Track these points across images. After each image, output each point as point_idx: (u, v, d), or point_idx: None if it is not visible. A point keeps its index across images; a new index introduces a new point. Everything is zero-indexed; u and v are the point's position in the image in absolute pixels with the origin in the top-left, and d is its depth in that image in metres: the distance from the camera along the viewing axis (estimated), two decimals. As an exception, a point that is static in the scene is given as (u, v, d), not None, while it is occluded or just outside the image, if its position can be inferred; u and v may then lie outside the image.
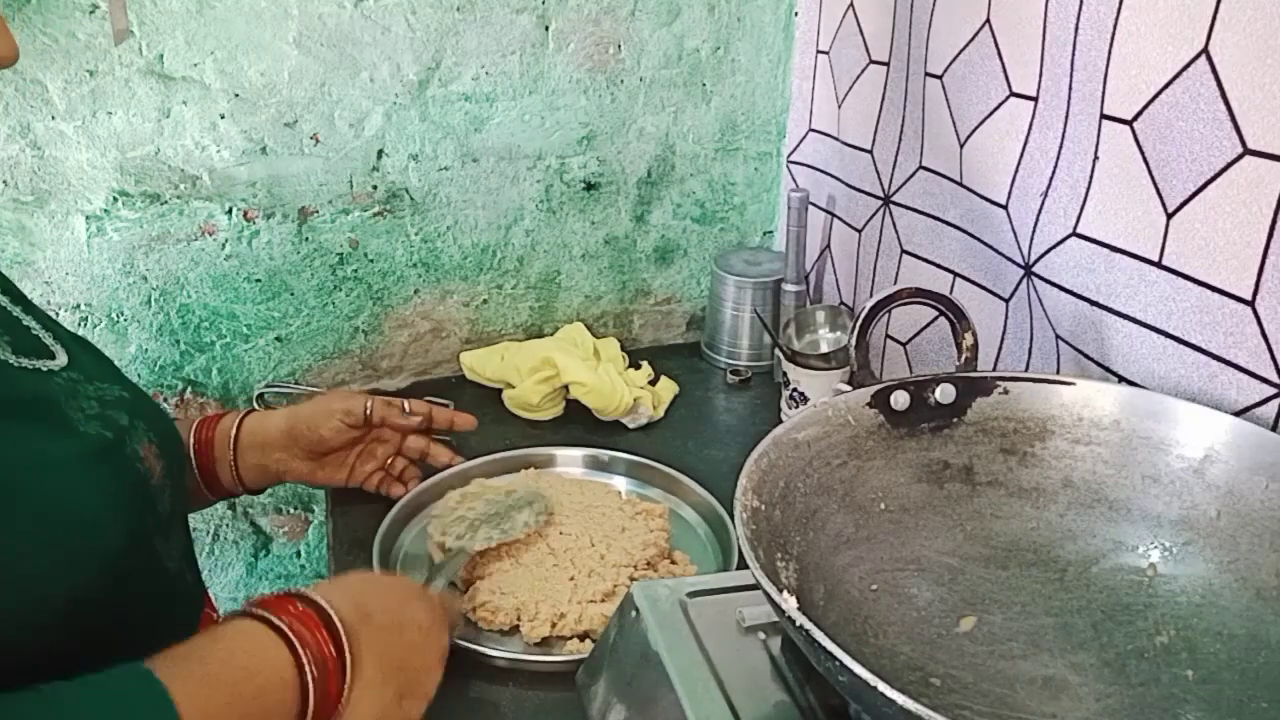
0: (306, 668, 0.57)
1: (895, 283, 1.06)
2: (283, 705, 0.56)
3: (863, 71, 1.07)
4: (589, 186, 1.21)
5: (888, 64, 1.03)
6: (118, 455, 0.61)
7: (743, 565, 0.55)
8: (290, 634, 0.57)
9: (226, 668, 0.55)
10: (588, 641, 0.78)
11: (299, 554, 1.30)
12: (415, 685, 0.64)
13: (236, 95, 1.04)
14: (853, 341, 0.74)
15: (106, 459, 0.60)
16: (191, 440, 0.84)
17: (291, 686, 0.56)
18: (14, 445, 0.55)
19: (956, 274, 0.97)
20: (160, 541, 0.65)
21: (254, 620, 0.58)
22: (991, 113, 0.86)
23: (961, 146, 0.91)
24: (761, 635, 0.60)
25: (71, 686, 0.49)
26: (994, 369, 0.91)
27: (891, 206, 1.05)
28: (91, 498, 0.57)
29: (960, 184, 0.93)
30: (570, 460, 1.02)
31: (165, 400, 1.14)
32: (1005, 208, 0.87)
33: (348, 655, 0.60)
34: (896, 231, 1.05)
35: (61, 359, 0.64)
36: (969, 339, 0.74)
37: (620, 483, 1.00)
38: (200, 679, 0.53)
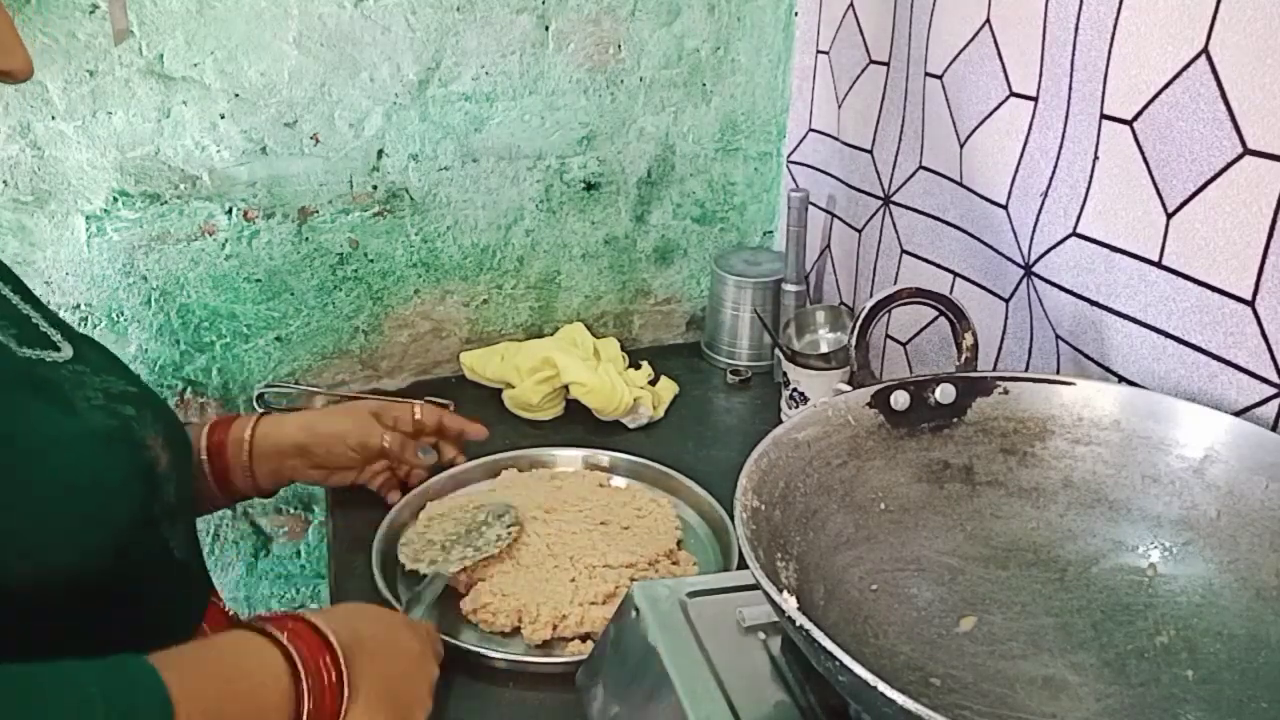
0: (302, 678, 0.57)
1: (895, 283, 1.06)
2: (276, 711, 0.56)
3: (863, 71, 1.07)
4: (589, 186, 1.21)
5: (888, 64, 1.03)
6: (124, 440, 0.62)
7: (743, 565, 0.55)
8: (288, 645, 0.58)
9: (221, 664, 0.56)
10: (589, 643, 0.78)
11: (299, 554, 1.30)
12: (407, 714, 0.64)
13: (236, 95, 1.04)
14: (853, 341, 0.74)
15: (112, 441, 0.60)
16: (204, 443, 0.84)
17: (288, 700, 0.56)
18: (24, 416, 0.55)
19: (956, 274, 0.97)
20: (167, 528, 0.66)
21: (255, 633, 0.59)
22: (991, 113, 0.86)
23: (961, 146, 0.91)
24: (761, 635, 0.60)
25: (70, 662, 0.49)
26: (994, 369, 0.91)
27: (891, 206, 1.05)
28: (99, 474, 0.57)
29: (960, 184, 0.93)
30: (570, 461, 1.02)
31: (165, 400, 1.14)
32: (1005, 208, 0.87)
33: (345, 678, 0.60)
34: (896, 231, 1.05)
35: (67, 352, 0.65)
36: (969, 339, 0.74)
37: (620, 484, 1.00)
38: (194, 668, 0.53)
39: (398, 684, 0.64)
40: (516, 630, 0.79)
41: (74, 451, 0.57)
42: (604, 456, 1.02)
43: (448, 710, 0.72)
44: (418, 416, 0.96)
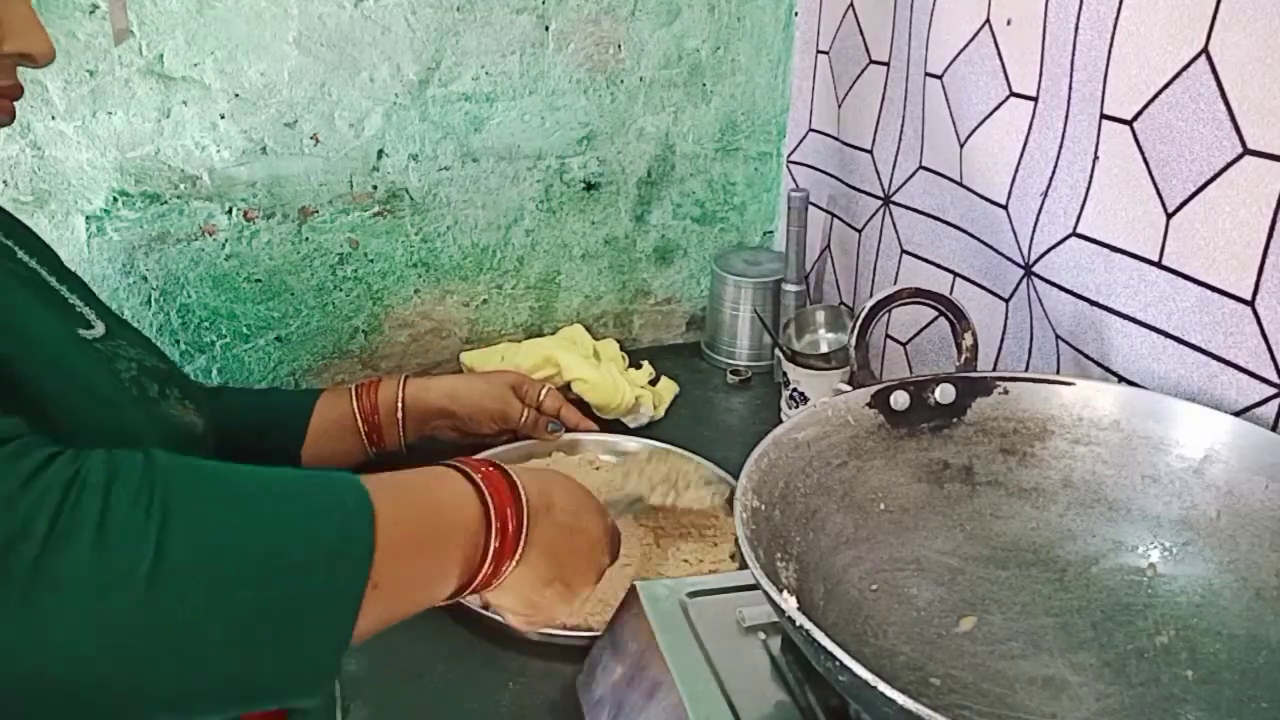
0: (491, 528, 0.58)
1: (895, 283, 1.06)
2: (462, 549, 0.57)
3: (863, 71, 1.07)
4: (589, 186, 1.21)
5: (888, 64, 1.03)
6: (163, 408, 0.65)
7: (743, 565, 0.55)
8: (484, 487, 0.59)
9: (422, 493, 0.58)
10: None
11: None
12: (569, 586, 0.66)
13: (236, 95, 1.04)
14: (853, 341, 0.74)
15: (154, 406, 0.64)
16: (355, 406, 0.93)
17: (477, 536, 0.58)
18: (74, 374, 0.58)
19: (956, 274, 0.97)
20: None
21: (454, 470, 0.60)
22: (991, 113, 0.86)
23: (961, 146, 0.91)
24: (761, 635, 0.60)
25: (276, 469, 0.52)
26: (994, 369, 0.91)
27: (891, 206, 1.05)
28: (147, 433, 0.60)
29: (960, 184, 0.93)
30: (570, 464, 1.02)
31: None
32: (1005, 208, 0.87)
33: (525, 533, 0.61)
34: (896, 231, 1.05)
35: (100, 329, 0.67)
36: (969, 339, 0.74)
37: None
38: (397, 494, 0.55)
39: (568, 557, 0.65)
40: None
41: (119, 411, 0.60)
42: (633, 443, 1.02)
43: (477, 681, 0.74)
44: (543, 399, 1.02)
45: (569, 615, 0.68)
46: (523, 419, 1.00)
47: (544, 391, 1.03)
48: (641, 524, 0.89)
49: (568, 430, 1.03)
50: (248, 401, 0.94)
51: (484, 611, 0.80)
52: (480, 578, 0.59)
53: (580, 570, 0.67)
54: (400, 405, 0.94)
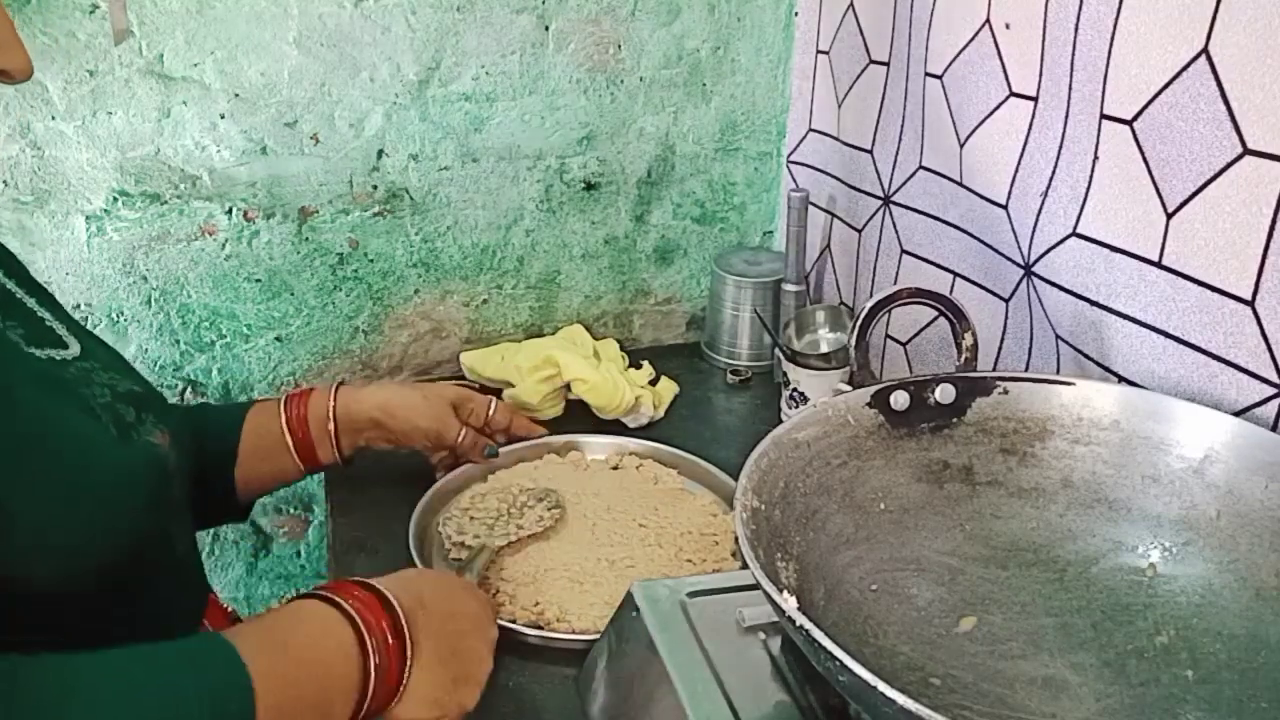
0: (370, 649, 0.59)
1: (895, 283, 1.06)
2: (346, 682, 0.58)
3: (863, 71, 1.07)
4: (589, 186, 1.21)
5: (888, 64, 1.03)
6: (135, 439, 0.62)
7: (743, 565, 0.55)
8: (355, 616, 0.59)
9: (295, 640, 0.58)
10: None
11: (299, 554, 1.30)
12: (469, 672, 0.66)
13: (236, 95, 1.04)
14: (853, 341, 0.74)
15: (125, 441, 0.61)
16: (283, 417, 0.86)
17: (355, 666, 0.58)
18: (47, 417, 0.56)
19: (956, 274, 0.97)
20: (174, 526, 0.66)
21: (320, 601, 0.60)
22: (991, 113, 0.86)
23: (961, 146, 0.91)
24: (761, 635, 0.60)
25: (150, 647, 0.51)
26: (994, 369, 0.91)
27: (891, 206, 1.05)
28: (116, 473, 0.58)
29: (960, 184, 0.93)
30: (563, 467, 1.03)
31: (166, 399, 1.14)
32: (1005, 208, 0.87)
33: (407, 639, 0.62)
34: (896, 231, 1.05)
35: (74, 349, 0.65)
36: (969, 339, 0.74)
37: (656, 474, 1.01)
38: (270, 648, 0.55)
39: (458, 642, 0.66)
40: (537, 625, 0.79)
41: (93, 451, 0.57)
42: (633, 444, 1.03)
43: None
44: (493, 414, 0.98)
45: (475, 700, 0.67)
46: (460, 438, 0.93)
47: (492, 407, 0.98)
48: (641, 524, 0.89)
49: (518, 440, 1.00)
50: (186, 414, 0.88)
51: None
52: (374, 697, 0.59)
53: (472, 651, 0.67)
54: (331, 417, 0.87)
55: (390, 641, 0.60)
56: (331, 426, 0.87)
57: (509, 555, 0.85)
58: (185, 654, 0.52)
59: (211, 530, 1.23)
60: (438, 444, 0.94)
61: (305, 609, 0.60)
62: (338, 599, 0.60)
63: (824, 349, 1.07)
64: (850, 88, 1.10)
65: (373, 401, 0.90)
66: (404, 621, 0.62)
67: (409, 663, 0.61)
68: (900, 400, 0.66)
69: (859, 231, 1.13)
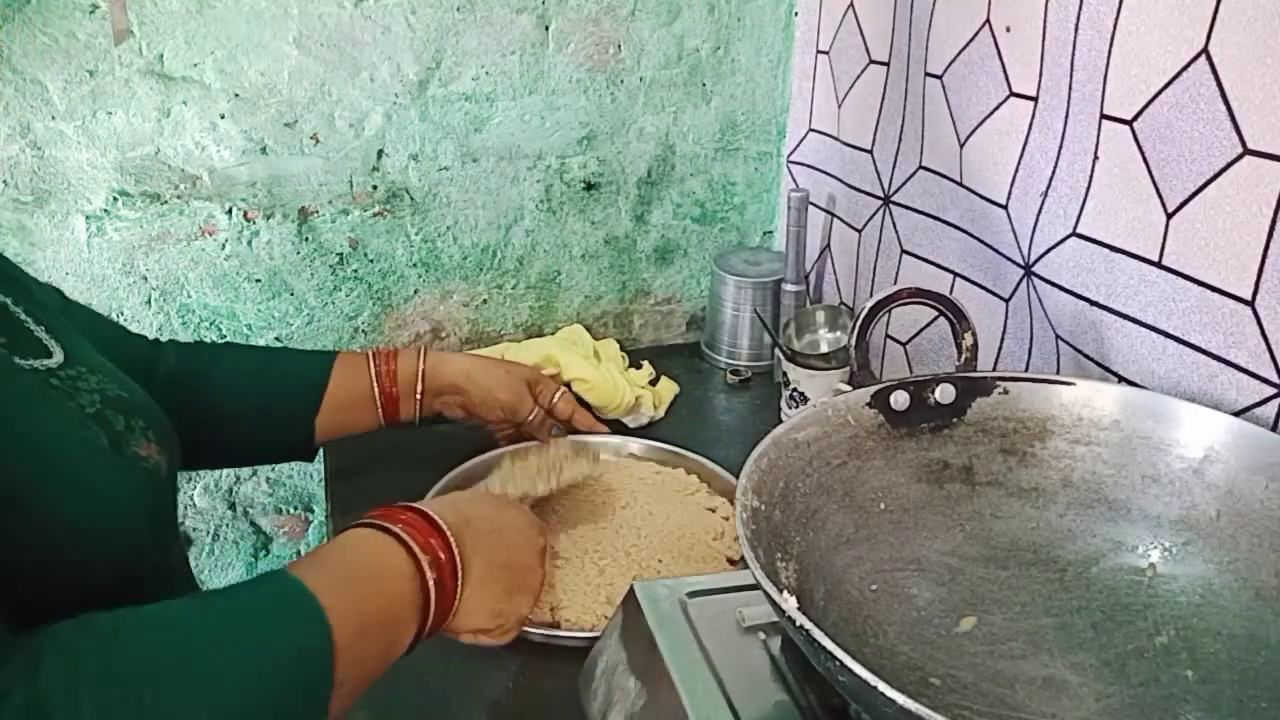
0: (425, 569, 0.61)
1: (895, 283, 1.06)
2: (407, 601, 0.60)
3: (863, 71, 1.07)
4: (589, 186, 1.21)
5: (888, 64, 1.03)
6: (126, 452, 0.61)
7: (743, 565, 0.55)
8: (407, 539, 0.62)
9: (357, 570, 0.59)
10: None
11: (299, 554, 1.30)
12: (521, 582, 0.69)
13: (236, 95, 1.04)
14: (853, 341, 0.74)
15: (121, 450, 0.60)
16: (372, 370, 0.90)
17: (414, 586, 0.61)
18: (37, 431, 0.55)
19: (956, 274, 0.97)
20: (167, 535, 0.66)
21: (371, 530, 0.62)
22: (991, 113, 0.86)
23: (961, 146, 0.91)
24: (761, 635, 0.60)
25: (226, 591, 0.55)
26: (994, 369, 0.91)
27: (891, 206, 1.05)
28: (120, 486, 0.58)
29: (960, 184, 0.93)
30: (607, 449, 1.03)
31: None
32: (1005, 208, 0.87)
33: (457, 556, 0.64)
34: (896, 231, 1.05)
35: (58, 356, 0.63)
36: (969, 339, 0.74)
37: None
38: (335, 581, 0.57)
39: (508, 555, 0.69)
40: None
41: (89, 466, 0.57)
42: (633, 444, 1.03)
43: (477, 681, 0.75)
44: (557, 401, 1.00)
45: (534, 609, 0.71)
46: (531, 416, 0.98)
47: (558, 395, 1.01)
48: (641, 524, 0.89)
49: (574, 433, 1.02)
50: (255, 369, 0.90)
51: None
52: (435, 614, 0.61)
53: (522, 562, 0.70)
54: (420, 378, 0.92)
55: (442, 558, 0.62)
56: (420, 386, 0.91)
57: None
58: (264, 596, 0.55)
59: (211, 530, 1.23)
60: (511, 417, 0.97)
61: (360, 538, 0.62)
62: (388, 524, 0.62)
63: (824, 349, 1.07)
64: (850, 88, 1.10)
65: (459, 367, 0.94)
66: (452, 539, 0.64)
67: (461, 578, 0.64)
68: (900, 400, 0.66)
69: (859, 231, 1.13)
